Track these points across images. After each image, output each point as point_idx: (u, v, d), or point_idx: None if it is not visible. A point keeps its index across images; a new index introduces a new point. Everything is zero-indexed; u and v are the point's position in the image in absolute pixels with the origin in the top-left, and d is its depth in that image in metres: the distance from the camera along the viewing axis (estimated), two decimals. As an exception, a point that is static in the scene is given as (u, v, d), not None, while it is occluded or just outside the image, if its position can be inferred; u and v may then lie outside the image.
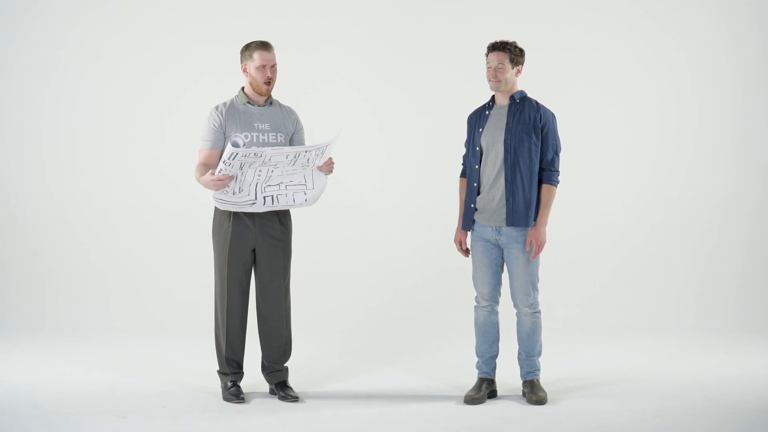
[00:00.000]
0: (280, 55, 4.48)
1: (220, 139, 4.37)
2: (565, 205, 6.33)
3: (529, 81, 5.89)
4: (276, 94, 4.56)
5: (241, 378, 4.52)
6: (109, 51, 6.52)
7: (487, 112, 4.47)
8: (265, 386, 4.61)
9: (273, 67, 4.38)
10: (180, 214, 6.47)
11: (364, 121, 6.56)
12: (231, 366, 4.49)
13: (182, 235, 6.45)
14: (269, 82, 4.38)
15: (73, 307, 6.34)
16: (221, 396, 4.47)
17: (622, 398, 4.43)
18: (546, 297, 5.06)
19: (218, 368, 4.54)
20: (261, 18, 6.47)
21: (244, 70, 4.40)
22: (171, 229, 6.51)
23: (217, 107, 4.41)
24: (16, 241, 6.50)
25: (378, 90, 6.57)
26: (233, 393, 4.42)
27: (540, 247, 4.34)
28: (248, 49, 4.39)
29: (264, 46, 4.37)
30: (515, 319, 4.51)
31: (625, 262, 6.50)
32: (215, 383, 4.60)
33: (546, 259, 5.48)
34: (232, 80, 5.96)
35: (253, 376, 4.68)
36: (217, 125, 4.36)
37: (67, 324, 6.20)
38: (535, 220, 4.37)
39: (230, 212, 4.37)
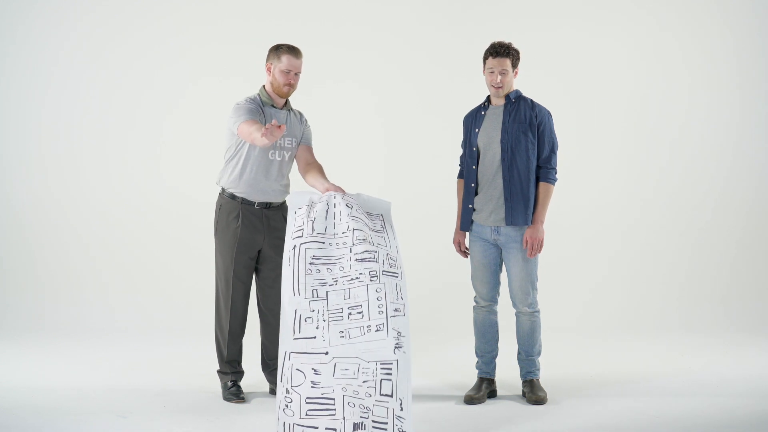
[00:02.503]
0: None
1: (257, 116, 4.29)
2: (564, 204, 6.34)
3: (527, 78, 5.91)
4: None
5: (241, 377, 4.52)
6: (110, 52, 6.53)
7: (482, 113, 4.46)
8: (265, 386, 4.61)
9: (297, 74, 4.38)
10: (180, 215, 6.48)
11: (365, 122, 6.57)
12: (232, 365, 4.49)
13: (182, 236, 6.46)
14: (289, 87, 4.38)
15: (73, 307, 6.35)
16: (221, 396, 4.47)
17: (622, 398, 4.43)
18: (546, 297, 5.07)
19: (218, 368, 4.54)
20: (260, 19, 6.48)
21: (269, 69, 4.39)
22: (171, 229, 6.51)
23: (248, 99, 4.37)
24: (16, 241, 6.50)
25: (378, 91, 6.58)
26: (233, 393, 4.43)
27: (538, 245, 4.34)
28: (278, 50, 4.38)
29: (294, 51, 4.37)
30: (515, 319, 4.51)
31: (625, 263, 6.50)
32: (215, 383, 4.60)
33: (545, 258, 5.48)
34: (233, 81, 6.00)
35: (253, 376, 4.68)
36: (255, 108, 4.31)
37: (67, 324, 6.21)
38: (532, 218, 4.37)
39: (239, 212, 4.38)
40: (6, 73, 6.52)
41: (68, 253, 6.50)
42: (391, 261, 3.92)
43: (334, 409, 3.71)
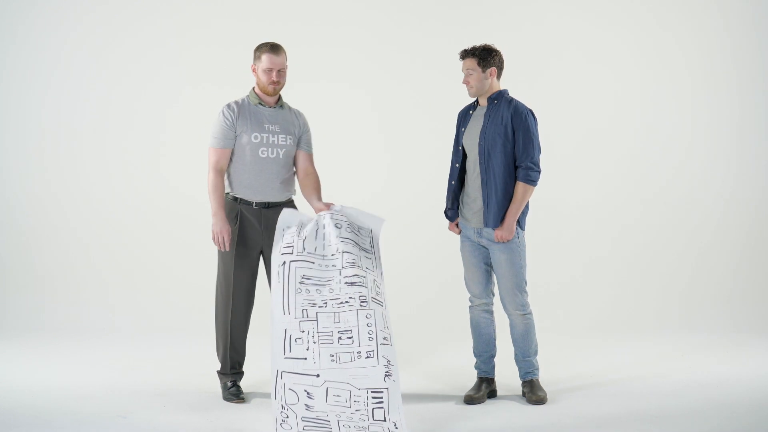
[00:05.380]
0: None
1: (231, 138, 4.38)
2: (564, 203, 6.35)
3: (526, 78, 5.91)
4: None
5: (241, 378, 4.52)
6: (110, 52, 6.54)
7: (471, 112, 4.49)
8: (265, 386, 4.61)
9: (280, 71, 4.38)
10: (180, 214, 6.48)
11: (359, 124, 6.57)
12: (233, 366, 4.50)
13: (182, 235, 6.45)
14: (274, 85, 4.39)
15: (73, 307, 6.34)
16: (221, 396, 4.47)
17: (622, 398, 4.43)
18: (546, 296, 5.08)
19: (219, 368, 4.54)
20: (262, 19, 6.48)
21: (254, 70, 4.42)
22: (171, 229, 6.51)
23: (229, 105, 4.42)
24: (16, 242, 6.50)
25: (381, 91, 6.58)
26: (233, 393, 4.43)
27: (503, 240, 4.32)
28: (259, 50, 4.41)
29: (273, 49, 4.38)
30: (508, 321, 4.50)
31: (624, 262, 6.50)
32: (215, 383, 4.60)
33: (546, 257, 5.49)
34: (234, 81, 5.98)
35: (253, 376, 4.68)
36: (228, 123, 4.37)
37: (67, 324, 6.20)
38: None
39: (237, 213, 4.39)
40: (6, 73, 6.52)
41: (68, 253, 6.50)
42: (377, 288, 3.93)
43: (330, 428, 3.75)
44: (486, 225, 4.34)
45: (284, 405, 3.77)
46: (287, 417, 3.76)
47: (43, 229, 6.52)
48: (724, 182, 6.53)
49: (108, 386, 4.66)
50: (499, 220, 4.32)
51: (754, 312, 6.29)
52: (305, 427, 3.75)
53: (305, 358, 3.81)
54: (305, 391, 3.77)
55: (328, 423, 3.76)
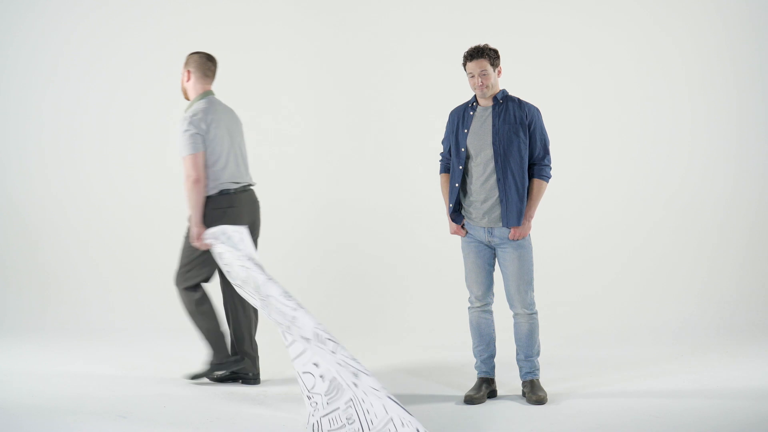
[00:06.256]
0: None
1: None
2: (564, 205, 6.35)
3: (526, 79, 5.91)
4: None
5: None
6: (112, 50, 6.54)
7: (471, 113, 4.45)
8: (264, 387, 4.65)
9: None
10: (181, 213, 6.47)
11: (363, 123, 6.56)
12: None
13: (183, 234, 6.45)
14: None
15: (74, 307, 6.35)
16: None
17: (622, 398, 4.43)
18: (546, 297, 5.06)
19: None
20: (263, 21, 6.48)
21: None
22: (172, 228, 6.49)
23: None
24: (17, 241, 6.51)
25: (378, 91, 6.57)
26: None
27: (521, 237, 4.36)
28: None
29: None
30: (512, 321, 4.50)
31: (625, 262, 6.50)
32: (215, 383, 4.65)
33: (545, 256, 5.48)
34: (235, 80, 5.99)
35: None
36: None
37: (67, 324, 6.21)
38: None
39: None
40: (6, 73, 6.52)
41: (68, 253, 6.50)
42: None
43: (342, 389, 3.81)
44: (506, 224, 4.34)
45: (309, 395, 3.92)
46: (316, 404, 3.89)
47: (44, 229, 6.52)
48: (725, 184, 6.53)
49: (108, 386, 4.66)
50: (520, 218, 4.33)
51: (755, 312, 6.28)
52: (329, 401, 3.86)
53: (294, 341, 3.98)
54: (313, 364, 3.89)
55: (338, 383, 3.85)
